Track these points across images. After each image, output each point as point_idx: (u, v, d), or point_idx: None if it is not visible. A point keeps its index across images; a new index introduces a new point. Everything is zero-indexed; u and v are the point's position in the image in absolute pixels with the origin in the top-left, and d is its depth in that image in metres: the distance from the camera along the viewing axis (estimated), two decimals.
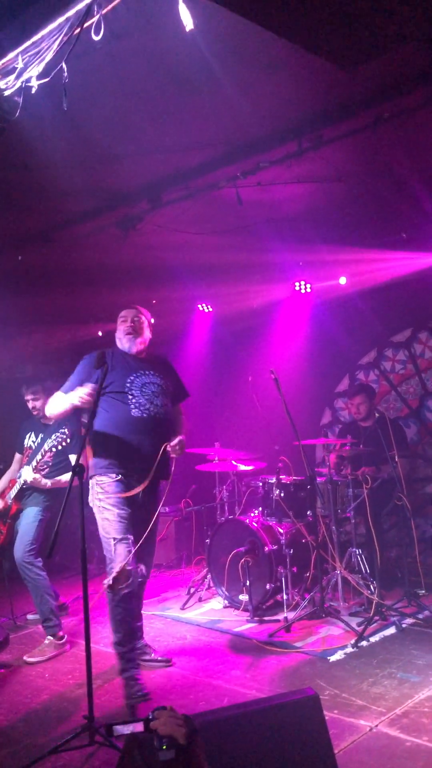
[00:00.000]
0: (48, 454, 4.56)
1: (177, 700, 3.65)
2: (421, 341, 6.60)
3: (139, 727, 1.85)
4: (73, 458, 4.71)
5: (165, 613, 5.34)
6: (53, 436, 4.42)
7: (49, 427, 4.86)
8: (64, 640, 4.63)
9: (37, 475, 4.67)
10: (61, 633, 4.62)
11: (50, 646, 4.53)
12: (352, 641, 4.29)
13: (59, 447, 4.45)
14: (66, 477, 4.74)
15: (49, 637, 4.56)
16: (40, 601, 4.58)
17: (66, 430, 4.42)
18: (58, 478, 4.78)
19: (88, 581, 3.26)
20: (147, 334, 4.21)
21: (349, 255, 6.19)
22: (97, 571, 6.94)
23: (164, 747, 1.68)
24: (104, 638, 4.78)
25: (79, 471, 3.25)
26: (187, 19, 2.24)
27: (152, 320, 4.33)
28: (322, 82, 3.38)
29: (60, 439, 4.40)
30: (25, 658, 4.43)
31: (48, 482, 4.72)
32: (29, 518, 4.73)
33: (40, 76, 2.66)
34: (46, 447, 4.47)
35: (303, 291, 7.13)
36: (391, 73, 3.40)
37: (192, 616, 5.24)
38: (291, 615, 4.80)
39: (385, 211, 5.54)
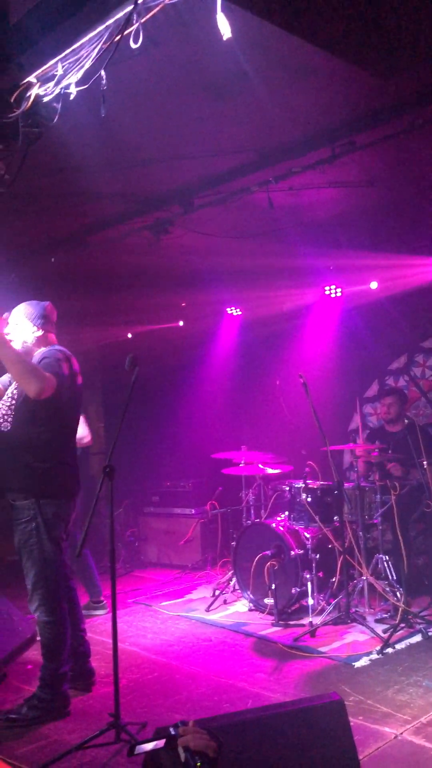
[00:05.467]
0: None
1: (201, 701, 3.67)
2: None
3: (161, 743, 1.79)
4: None
5: (190, 615, 5.37)
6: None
7: None
8: None
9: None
10: None
11: None
12: (378, 648, 4.27)
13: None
14: None
15: None
16: None
17: None
18: None
19: (116, 579, 3.30)
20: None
21: (381, 260, 6.15)
22: (123, 571, 7.03)
23: (199, 764, 1.67)
24: (130, 637, 4.83)
25: (110, 472, 3.27)
26: (225, 27, 2.27)
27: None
28: (355, 88, 3.39)
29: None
30: None
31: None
32: None
33: (78, 83, 2.71)
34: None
35: (333, 295, 7.11)
36: (425, 81, 3.39)
37: (217, 618, 5.26)
38: (316, 620, 4.80)
39: (417, 216, 5.51)
